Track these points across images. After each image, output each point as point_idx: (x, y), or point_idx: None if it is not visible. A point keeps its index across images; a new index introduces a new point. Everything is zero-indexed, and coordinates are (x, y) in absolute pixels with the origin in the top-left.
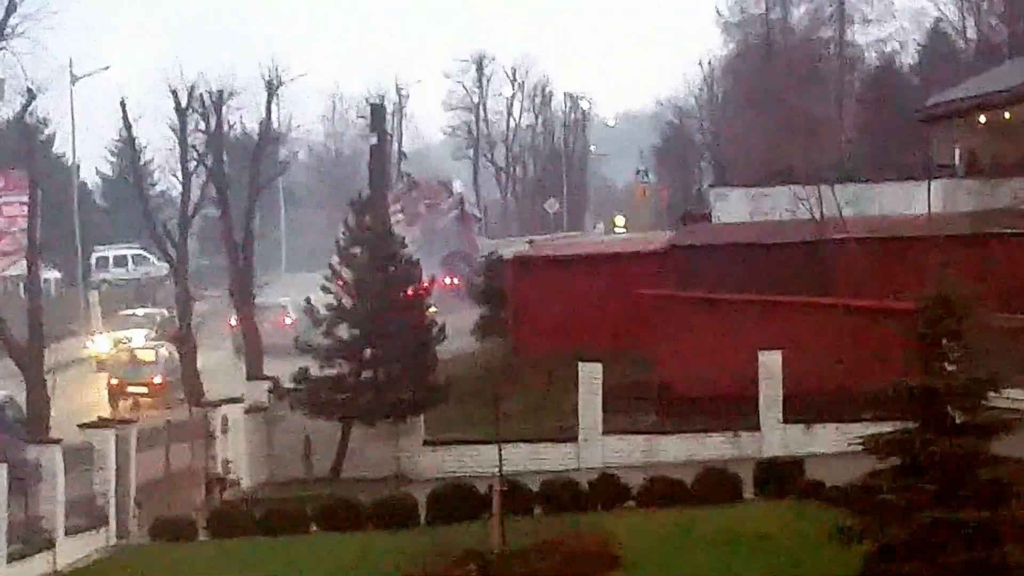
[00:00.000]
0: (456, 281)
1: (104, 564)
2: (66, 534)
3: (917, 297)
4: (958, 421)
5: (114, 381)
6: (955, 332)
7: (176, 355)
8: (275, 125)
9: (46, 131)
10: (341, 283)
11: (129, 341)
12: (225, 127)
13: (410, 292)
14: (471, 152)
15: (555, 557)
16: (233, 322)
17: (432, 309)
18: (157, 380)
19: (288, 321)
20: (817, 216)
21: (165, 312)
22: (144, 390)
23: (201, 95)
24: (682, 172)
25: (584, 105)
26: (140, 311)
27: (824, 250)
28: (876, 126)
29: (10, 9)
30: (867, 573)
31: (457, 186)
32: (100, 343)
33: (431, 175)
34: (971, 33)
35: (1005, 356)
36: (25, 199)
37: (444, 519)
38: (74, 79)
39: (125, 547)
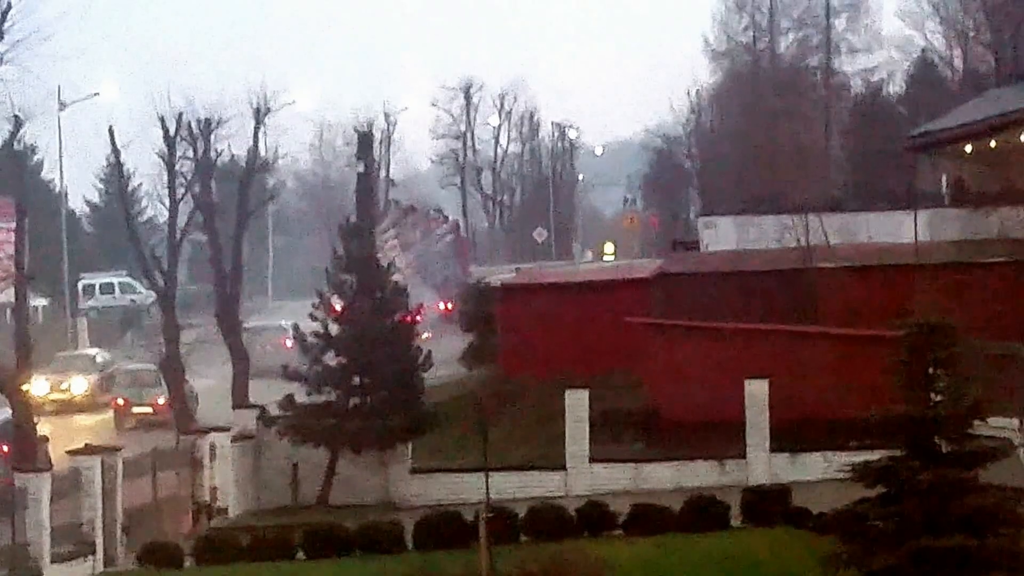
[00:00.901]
0: (451, 307)
1: None
2: (52, 561)
3: (903, 325)
4: (944, 450)
5: (120, 401)
6: (941, 360)
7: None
8: (263, 153)
9: (34, 158)
10: (339, 309)
11: (69, 387)
12: (213, 154)
13: (405, 318)
14: (459, 180)
15: None
16: None
17: (426, 335)
18: (161, 401)
19: (289, 344)
20: (804, 244)
21: (107, 355)
22: (149, 410)
23: (189, 123)
24: (671, 200)
25: (571, 134)
26: (92, 351)
27: (811, 278)
28: (863, 154)
29: None
30: None
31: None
32: (37, 386)
33: (419, 202)
34: (958, 62)
35: (991, 384)
36: (12, 226)
37: (431, 546)
38: (62, 106)
39: (112, 574)
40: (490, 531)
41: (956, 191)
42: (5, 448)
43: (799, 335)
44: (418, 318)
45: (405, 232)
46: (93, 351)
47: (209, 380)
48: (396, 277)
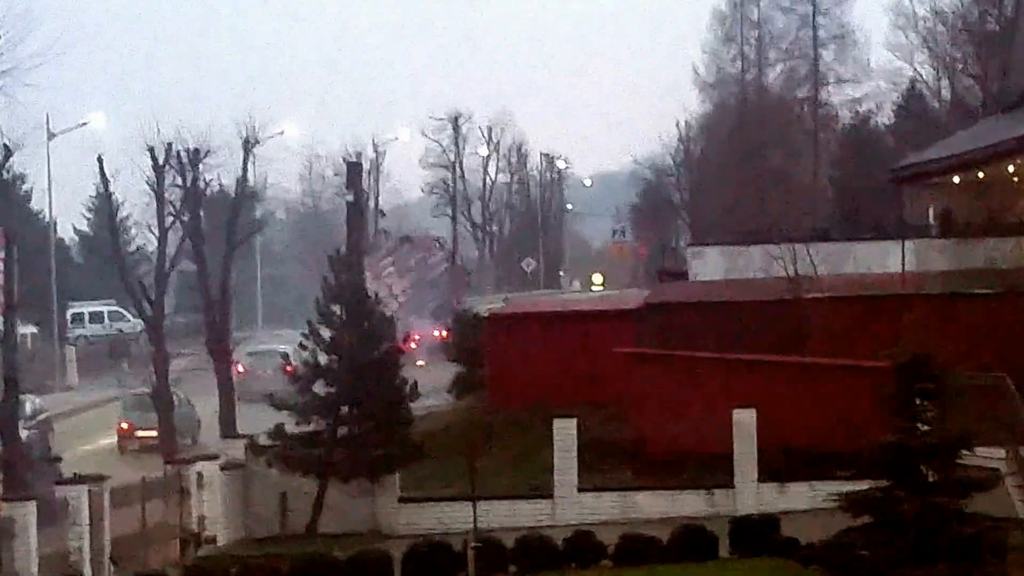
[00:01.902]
0: (446, 334)
1: None
2: None
3: (890, 356)
4: (931, 479)
5: (124, 425)
6: (928, 391)
7: (186, 399)
8: (251, 182)
9: (23, 187)
10: (328, 339)
11: None
12: (201, 184)
13: (394, 348)
14: (449, 209)
15: None
16: (240, 368)
17: (419, 363)
18: None
19: (290, 368)
20: (791, 274)
21: (36, 400)
22: (154, 434)
23: (178, 152)
24: (659, 230)
25: (560, 164)
26: (23, 397)
27: (798, 308)
28: (851, 185)
29: None
30: None
31: None
32: None
33: (412, 231)
34: (946, 93)
35: (977, 414)
36: (1, 255)
37: None
38: (51, 135)
39: None
40: (478, 561)
41: (943, 222)
42: None
43: (785, 365)
44: (412, 345)
45: (401, 260)
46: (24, 397)
47: (201, 408)
48: (392, 305)
